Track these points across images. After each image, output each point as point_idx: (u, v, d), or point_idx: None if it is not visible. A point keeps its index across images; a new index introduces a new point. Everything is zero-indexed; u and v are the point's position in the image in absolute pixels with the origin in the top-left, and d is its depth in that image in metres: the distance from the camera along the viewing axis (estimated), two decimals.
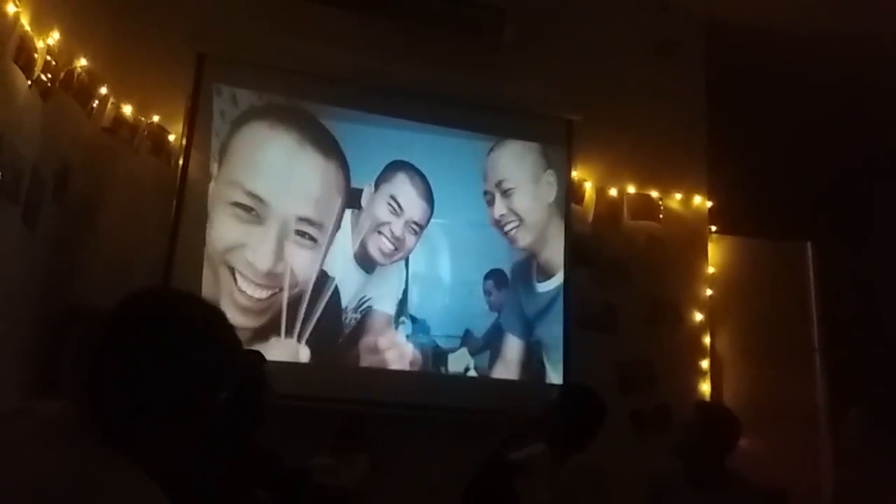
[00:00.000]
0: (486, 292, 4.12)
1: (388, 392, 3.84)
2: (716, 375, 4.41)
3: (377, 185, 4.07)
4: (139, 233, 3.72)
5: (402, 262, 4.06)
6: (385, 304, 3.98)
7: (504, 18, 4.16)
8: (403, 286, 4.02)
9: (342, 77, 4.10)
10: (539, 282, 4.22)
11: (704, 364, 4.41)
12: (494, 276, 4.14)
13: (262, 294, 3.75)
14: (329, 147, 4.01)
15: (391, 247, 4.03)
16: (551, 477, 2.69)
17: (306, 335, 3.80)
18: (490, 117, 4.31)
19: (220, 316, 1.24)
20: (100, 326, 1.17)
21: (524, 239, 4.24)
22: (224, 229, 3.76)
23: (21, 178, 2.88)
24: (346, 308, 3.91)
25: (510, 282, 4.16)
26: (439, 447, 3.72)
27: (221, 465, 1.85)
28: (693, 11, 4.75)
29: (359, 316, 3.92)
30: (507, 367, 4.06)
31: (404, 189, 4.11)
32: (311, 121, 4.01)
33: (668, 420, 4.10)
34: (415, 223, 4.09)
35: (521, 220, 4.24)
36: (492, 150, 4.30)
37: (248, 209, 3.80)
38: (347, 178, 4.01)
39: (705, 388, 4.36)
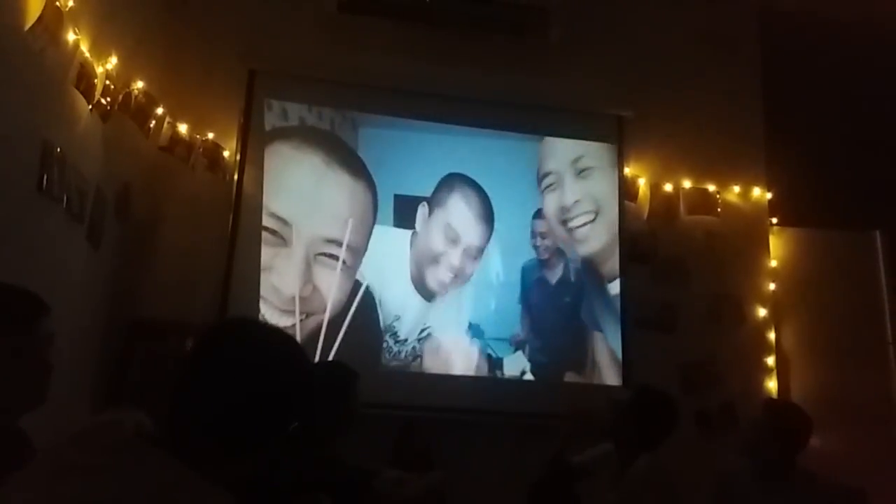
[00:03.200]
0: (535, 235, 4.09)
1: (443, 397, 3.79)
2: (782, 372, 4.27)
3: (431, 208, 4.01)
4: (198, 247, 3.80)
5: (463, 293, 3.97)
6: (448, 333, 3.91)
7: (549, 18, 4.14)
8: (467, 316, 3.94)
9: (391, 86, 4.13)
10: (610, 282, 4.16)
11: (770, 361, 4.27)
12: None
13: (287, 322, 3.69)
14: (356, 166, 3.97)
15: (450, 275, 3.97)
16: (617, 478, 2.64)
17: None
18: (541, 117, 4.27)
19: (299, 347, 1.30)
20: (188, 355, 1.22)
21: (598, 237, 4.16)
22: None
23: (85, 198, 2.99)
24: (407, 339, 3.86)
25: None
26: (499, 452, 3.70)
27: (294, 472, 1.87)
28: None
29: (418, 344, 3.86)
30: (567, 369, 4.00)
31: (459, 212, 4.04)
32: (336, 140, 3.98)
33: (733, 420, 3.99)
34: (473, 248, 4.03)
35: (598, 210, 4.19)
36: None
37: (272, 232, 3.79)
38: (375, 198, 3.95)
39: (771, 385, 4.23)
